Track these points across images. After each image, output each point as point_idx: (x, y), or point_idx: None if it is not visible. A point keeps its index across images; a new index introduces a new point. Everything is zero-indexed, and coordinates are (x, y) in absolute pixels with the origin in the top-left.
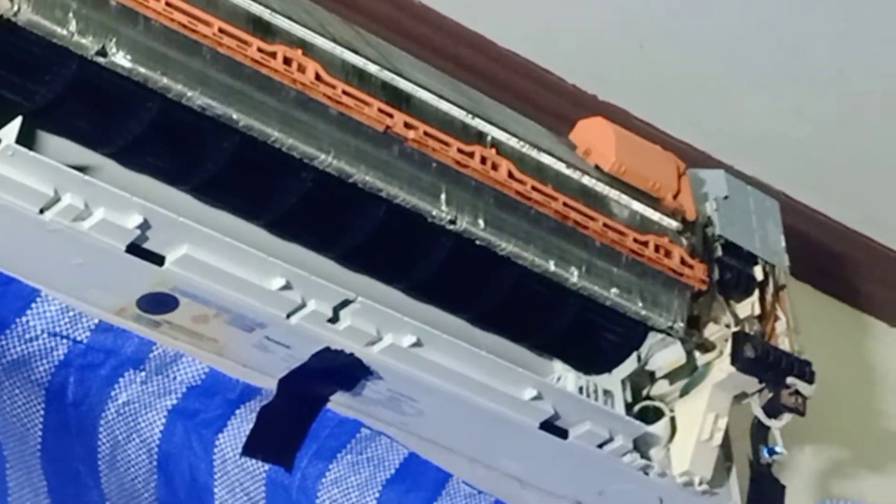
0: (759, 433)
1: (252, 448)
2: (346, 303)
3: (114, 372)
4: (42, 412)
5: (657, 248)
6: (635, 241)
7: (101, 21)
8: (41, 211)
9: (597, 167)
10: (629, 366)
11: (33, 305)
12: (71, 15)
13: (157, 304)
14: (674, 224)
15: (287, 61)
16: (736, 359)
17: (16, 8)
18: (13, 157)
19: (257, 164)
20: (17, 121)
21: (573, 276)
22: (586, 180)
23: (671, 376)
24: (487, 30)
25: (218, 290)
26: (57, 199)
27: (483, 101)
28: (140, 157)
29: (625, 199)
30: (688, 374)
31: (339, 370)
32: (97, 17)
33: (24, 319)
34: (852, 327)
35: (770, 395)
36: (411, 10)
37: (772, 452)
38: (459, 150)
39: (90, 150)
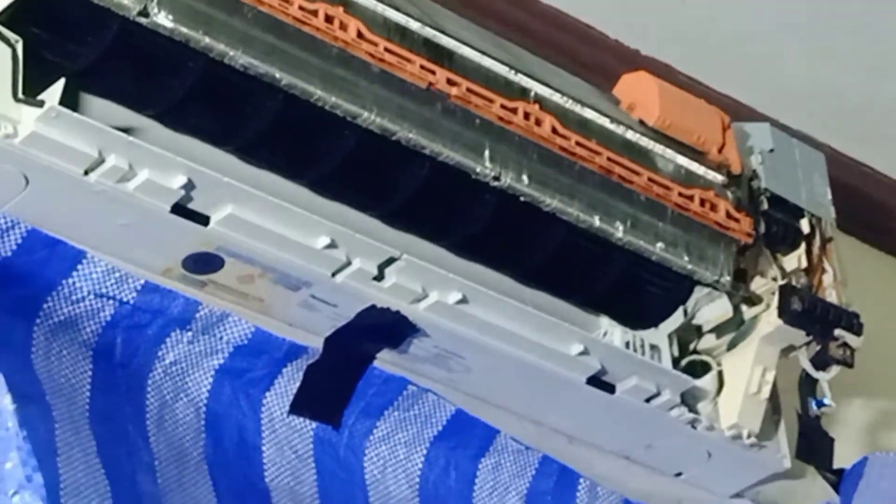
0: (808, 386)
1: (299, 406)
2: (391, 260)
3: (161, 332)
4: (90, 373)
5: (702, 202)
6: (680, 195)
7: None
8: (86, 172)
9: (641, 122)
10: (676, 320)
11: (79, 267)
12: None
13: (203, 264)
14: (719, 178)
15: (329, 19)
16: (783, 311)
17: None
18: (57, 119)
19: (300, 122)
20: (61, 83)
21: (618, 232)
22: (630, 135)
23: (718, 330)
24: None
25: (263, 249)
26: (101, 161)
27: (525, 57)
28: (183, 117)
29: (669, 153)
30: (735, 328)
31: (385, 328)
32: None
33: (70, 281)
34: None
35: (818, 347)
36: None
37: (820, 405)
38: (503, 107)
39: (134, 112)
